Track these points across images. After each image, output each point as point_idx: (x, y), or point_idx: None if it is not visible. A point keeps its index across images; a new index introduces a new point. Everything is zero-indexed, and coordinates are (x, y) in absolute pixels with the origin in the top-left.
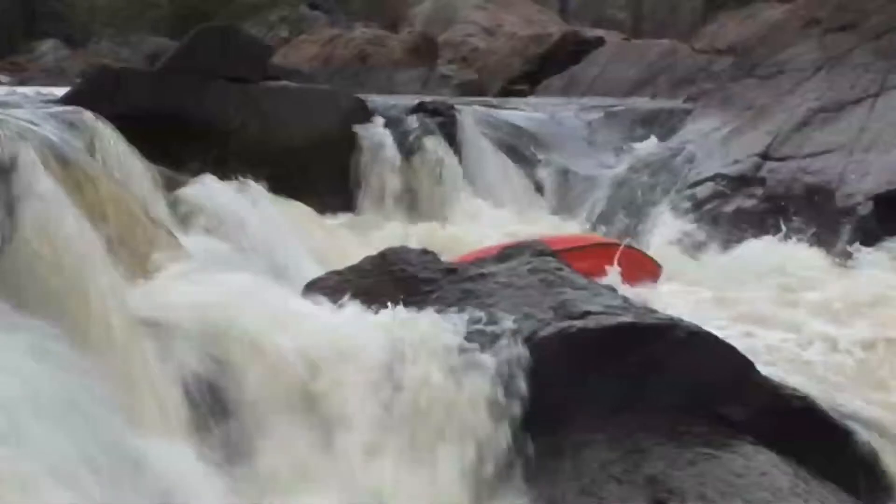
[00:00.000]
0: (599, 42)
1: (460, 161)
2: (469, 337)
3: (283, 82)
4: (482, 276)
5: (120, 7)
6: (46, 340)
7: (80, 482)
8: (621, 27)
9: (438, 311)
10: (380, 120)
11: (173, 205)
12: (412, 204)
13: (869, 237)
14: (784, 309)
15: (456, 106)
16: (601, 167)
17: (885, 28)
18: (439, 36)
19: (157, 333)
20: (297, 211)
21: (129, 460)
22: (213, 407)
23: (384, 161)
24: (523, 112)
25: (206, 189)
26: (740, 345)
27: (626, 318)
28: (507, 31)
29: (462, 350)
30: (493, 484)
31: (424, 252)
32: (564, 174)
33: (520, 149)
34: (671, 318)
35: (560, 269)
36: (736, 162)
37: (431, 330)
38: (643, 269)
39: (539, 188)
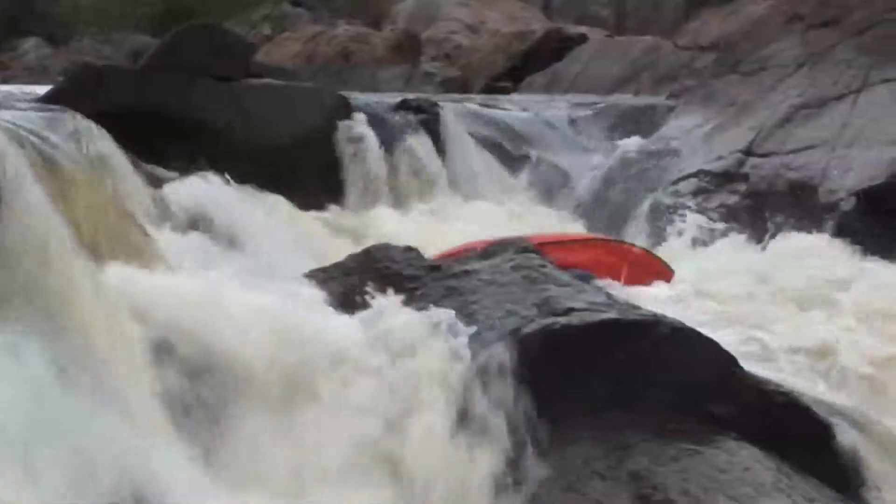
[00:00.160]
0: (582, 39)
1: (443, 158)
2: (452, 334)
3: (267, 80)
4: (466, 273)
5: (103, 5)
6: (19, 337)
7: (48, 476)
8: (604, 24)
9: (422, 309)
10: (363, 117)
11: (157, 203)
12: (396, 201)
13: (851, 233)
14: (763, 304)
15: (439, 103)
16: (585, 164)
17: (867, 24)
18: (422, 33)
19: (139, 330)
20: (281, 208)
21: (103, 455)
22: (192, 403)
23: (367, 158)
24: (507, 109)
25: (190, 187)
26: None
27: (610, 315)
28: (491, 28)
29: (445, 348)
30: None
31: (408, 249)
32: (548, 171)
33: (503, 145)
34: (655, 315)
35: (543, 266)
36: (719, 158)
37: (415, 328)
38: (654, 271)
39: (523, 185)
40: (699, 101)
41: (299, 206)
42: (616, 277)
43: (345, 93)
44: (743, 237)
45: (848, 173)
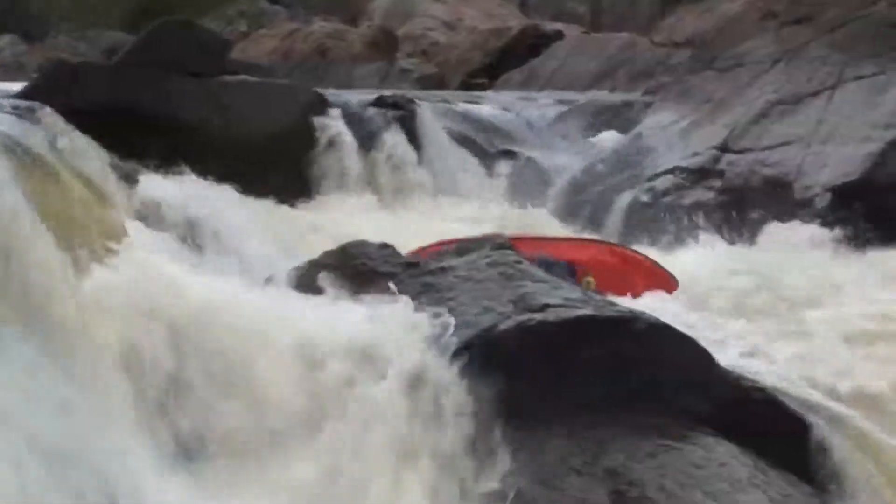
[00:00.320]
0: (559, 35)
1: (419, 154)
2: (425, 332)
3: (242, 77)
4: (442, 270)
5: (79, 2)
6: None
7: (20, 474)
8: (581, 21)
9: (395, 305)
10: (339, 114)
11: (133, 199)
12: (372, 197)
13: (826, 228)
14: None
15: (415, 100)
16: (561, 160)
17: (841, 21)
18: (399, 30)
19: (116, 329)
20: (257, 204)
21: (76, 454)
22: (168, 402)
23: (343, 155)
24: (483, 105)
25: (165, 183)
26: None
27: (586, 311)
28: (467, 24)
29: (416, 346)
30: (454, 479)
31: (384, 246)
32: (525, 167)
33: (479, 142)
34: (631, 311)
35: (519, 263)
36: (695, 154)
37: (390, 325)
38: (657, 280)
39: (499, 182)
40: (675, 98)
41: (275, 202)
42: (619, 281)
43: (321, 89)
44: (719, 234)
45: (823, 169)
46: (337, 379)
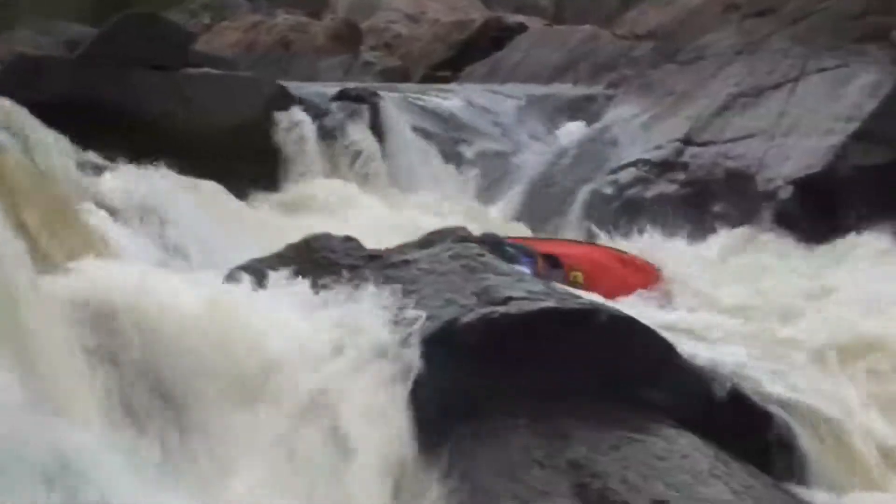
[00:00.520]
0: (521, 28)
1: (382, 147)
2: (388, 324)
3: (205, 69)
4: (405, 262)
5: None
6: None
7: None
8: (543, 13)
9: (358, 299)
10: (302, 106)
11: (96, 193)
12: (334, 189)
13: (789, 220)
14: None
15: (379, 92)
16: (524, 153)
17: (802, 14)
18: (362, 22)
19: (81, 328)
20: (220, 197)
21: (42, 456)
22: (136, 401)
23: (306, 147)
24: (446, 98)
25: (130, 176)
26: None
27: (549, 303)
28: (430, 17)
29: (379, 339)
30: (416, 470)
31: (347, 239)
32: (487, 160)
33: (443, 135)
34: (593, 303)
35: (482, 256)
36: (658, 147)
37: (349, 319)
38: (646, 276)
39: (462, 174)
40: (637, 91)
41: (238, 195)
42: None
43: (284, 82)
44: (683, 226)
45: (785, 162)
46: (300, 370)
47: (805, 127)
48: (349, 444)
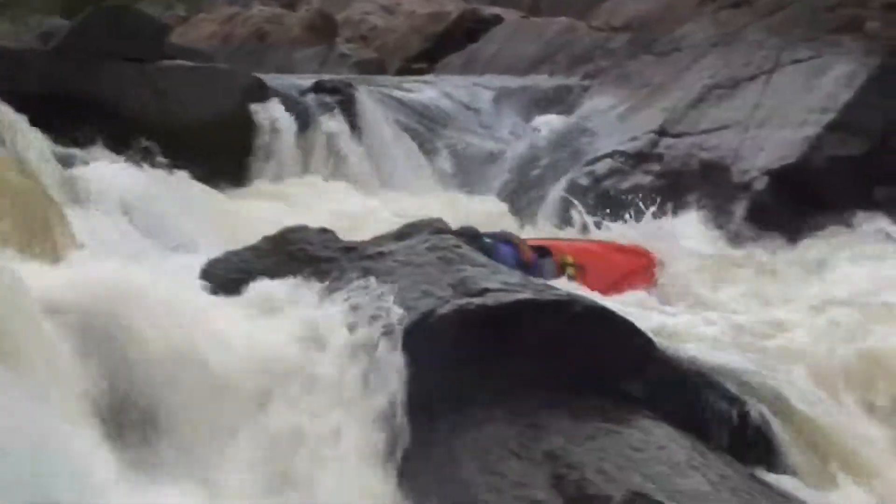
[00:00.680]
0: (498, 20)
1: (359, 139)
2: (363, 318)
3: (180, 61)
4: (381, 254)
5: None
6: None
7: None
8: (519, 5)
9: (337, 290)
10: (278, 98)
11: (71, 185)
12: (310, 182)
13: (764, 212)
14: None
15: (354, 84)
16: (501, 145)
17: (777, 5)
18: (338, 14)
19: (56, 325)
20: (196, 189)
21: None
22: (113, 398)
23: (282, 139)
24: (423, 90)
25: (105, 169)
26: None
27: (525, 295)
28: (406, 9)
29: (354, 332)
30: (393, 462)
31: (324, 231)
32: (464, 152)
33: (419, 127)
34: (569, 294)
35: (458, 247)
36: (633, 139)
37: (325, 312)
38: (638, 261)
39: (438, 166)
40: (614, 82)
41: (214, 187)
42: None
43: (260, 74)
44: (659, 217)
45: (760, 153)
46: (280, 364)
47: (780, 118)
48: (327, 437)
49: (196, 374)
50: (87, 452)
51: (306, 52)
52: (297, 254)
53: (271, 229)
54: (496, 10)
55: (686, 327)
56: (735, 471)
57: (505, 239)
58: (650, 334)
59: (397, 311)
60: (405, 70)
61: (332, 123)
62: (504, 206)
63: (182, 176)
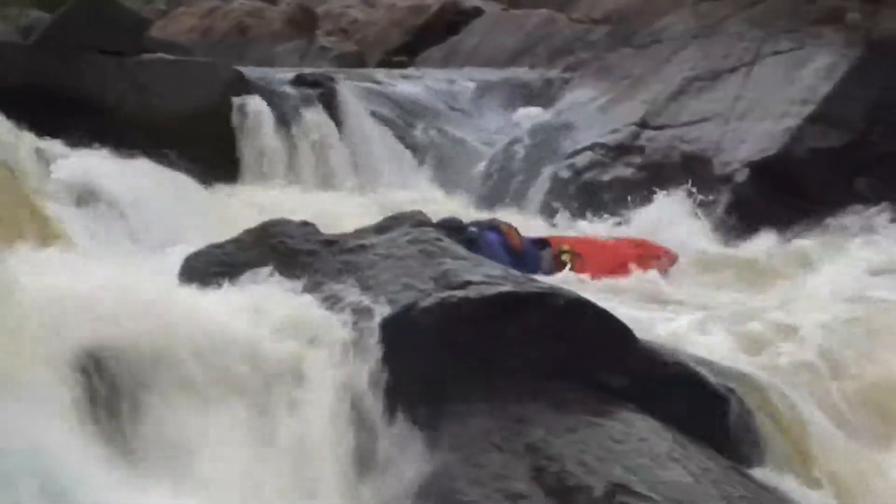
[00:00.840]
0: (478, 12)
1: (340, 132)
2: (344, 311)
3: (160, 55)
4: (362, 247)
5: None
6: None
7: None
8: None
9: (318, 284)
10: (259, 92)
11: (51, 179)
12: (292, 175)
13: (746, 203)
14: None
15: (336, 78)
16: (482, 138)
17: None
18: (318, 8)
19: (39, 314)
20: (177, 183)
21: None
22: (102, 396)
23: (263, 133)
24: (403, 83)
25: (84, 162)
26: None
27: (507, 288)
28: (386, 2)
29: (335, 325)
30: (376, 455)
31: (304, 224)
32: (445, 145)
33: (400, 120)
34: (551, 287)
35: (440, 240)
36: (614, 131)
37: (301, 307)
38: (639, 249)
39: (420, 159)
40: (594, 75)
41: (195, 181)
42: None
43: (240, 67)
44: (641, 209)
45: (741, 145)
46: (260, 358)
47: (761, 110)
48: (307, 431)
49: (174, 369)
50: (75, 448)
51: (287, 45)
52: (278, 247)
53: (251, 221)
54: (476, 2)
55: (667, 321)
56: (717, 464)
57: (491, 226)
58: (632, 327)
59: (379, 305)
60: (386, 63)
61: (314, 117)
62: (484, 198)
63: (163, 169)
